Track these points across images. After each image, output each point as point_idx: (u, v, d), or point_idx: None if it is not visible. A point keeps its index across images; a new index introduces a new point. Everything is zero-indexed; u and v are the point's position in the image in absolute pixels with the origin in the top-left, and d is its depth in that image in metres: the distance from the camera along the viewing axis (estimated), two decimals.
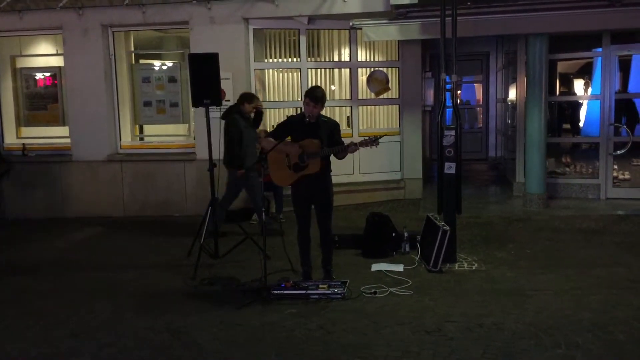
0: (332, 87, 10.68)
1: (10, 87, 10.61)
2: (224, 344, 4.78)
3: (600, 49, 9.63)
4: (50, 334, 5.09)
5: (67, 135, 10.25)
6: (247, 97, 8.15)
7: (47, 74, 10.52)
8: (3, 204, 10.12)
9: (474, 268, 6.55)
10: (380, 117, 10.90)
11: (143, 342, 4.86)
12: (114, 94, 10.09)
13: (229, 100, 9.41)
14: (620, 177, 10.05)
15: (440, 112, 6.82)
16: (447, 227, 6.43)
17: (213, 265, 6.88)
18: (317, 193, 5.95)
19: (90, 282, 6.54)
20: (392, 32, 9.32)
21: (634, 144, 9.67)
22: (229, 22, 9.49)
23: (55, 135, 10.50)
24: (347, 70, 10.42)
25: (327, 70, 10.52)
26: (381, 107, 10.84)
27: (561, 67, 13.04)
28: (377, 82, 10.48)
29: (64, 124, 10.41)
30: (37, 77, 10.54)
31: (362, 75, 10.54)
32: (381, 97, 10.57)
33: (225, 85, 8.58)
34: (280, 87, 10.41)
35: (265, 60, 10.24)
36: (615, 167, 9.89)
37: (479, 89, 16.50)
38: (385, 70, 10.52)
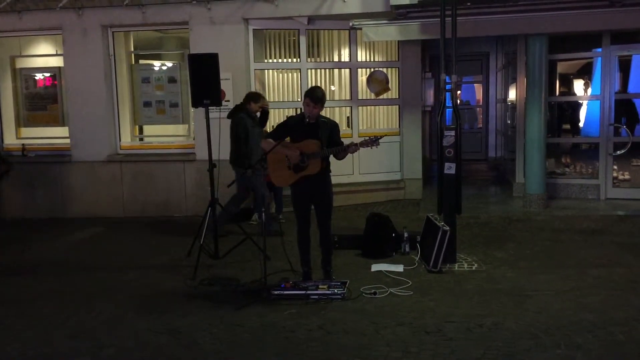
0: (332, 88, 10.67)
1: (10, 88, 10.61)
2: (223, 344, 4.78)
3: (600, 49, 9.62)
4: (50, 334, 5.09)
5: (67, 135, 10.25)
6: (254, 97, 8.20)
7: (47, 75, 10.52)
8: (3, 204, 10.11)
9: (474, 268, 6.55)
10: (380, 118, 10.90)
11: (143, 343, 4.85)
12: (113, 94, 10.09)
13: (228, 101, 9.42)
14: (620, 177, 10.05)
15: (440, 113, 6.82)
16: (447, 228, 6.43)
17: (213, 265, 6.88)
18: (317, 193, 5.95)
19: (90, 282, 6.53)
20: (392, 32, 9.32)
21: (633, 144, 9.66)
22: (229, 22, 9.49)
23: (54, 135, 10.50)
24: (347, 70, 10.42)
25: (327, 70, 10.52)
26: (381, 107, 10.84)
27: (561, 67, 13.02)
28: (377, 83, 10.48)
29: (63, 125, 10.41)
30: (36, 78, 10.54)
31: (362, 75, 10.54)
32: (381, 97, 10.57)
33: (225, 85, 8.59)
34: (280, 87, 10.41)
35: (265, 61, 10.24)
36: (615, 167, 9.89)
37: (478, 90, 16.50)
38: (385, 70, 10.52)
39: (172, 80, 10.07)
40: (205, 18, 9.50)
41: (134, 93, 10.28)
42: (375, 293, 5.74)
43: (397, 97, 10.59)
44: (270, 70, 10.32)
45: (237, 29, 9.53)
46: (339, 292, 5.64)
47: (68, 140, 10.21)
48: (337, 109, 10.37)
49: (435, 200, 7.06)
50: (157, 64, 10.50)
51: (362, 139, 5.91)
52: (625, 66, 12.77)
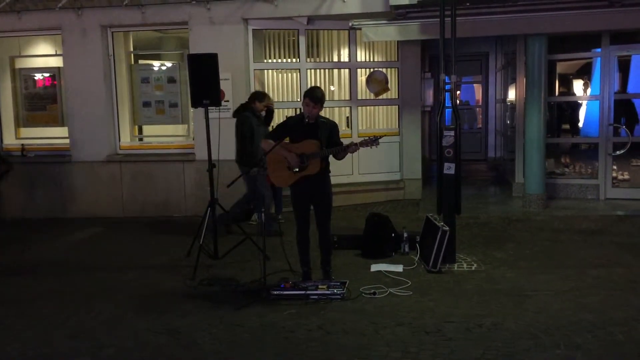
0: (332, 88, 10.67)
1: (9, 88, 10.61)
2: (223, 344, 4.78)
3: (599, 50, 9.62)
4: (50, 334, 5.09)
5: (66, 135, 10.24)
6: (259, 96, 8.24)
7: (46, 75, 10.52)
8: (2, 204, 10.10)
9: (473, 268, 6.55)
10: (379, 118, 10.90)
11: (142, 343, 4.86)
12: (113, 94, 10.09)
13: (228, 101, 9.43)
14: (620, 177, 10.05)
15: (440, 113, 6.82)
16: (447, 228, 6.43)
17: (212, 265, 6.88)
18: (316, 194, 5.96)
19: (90, 282, 6.53)
20: (391, 32, 9.32)
21: (633, 144, 9.67)
22: (228, 22, 9.49)
23: (54, 135, 10.50)
24: (347, 70, 10.42)
25: (327, 70, 10.51)
26: (381, 107, 10.84)
27: (560, 67, 13.04)
28: (377, 83, 10.48)
29: (63, 125, 10.40)
30: (36, 78, 10.53)
31: (362, 75, 10.54)
32: (380, 97, 10.57)
33: (224, 85, 8.59)
34: (280, 87, 10.41)
35: (265, 61, 10.24)
36: (615, 167, 9.89)
37: (478, 90, 16.51)
38: (384, 70, 10.52)
39: (171, 80, 10.07)
40: (205, 18, 9.50)
41: (134, 93, 10.28)
42: (374, 293, 5.74)
43: (397, 97, 10.59)
44: (270, 71, 10.32)
45: (236, 29, 9.53)
46: (338, 292, 5.64)
47: (67, 141, 10.21)
48: (336, 109, 10.37)
49: (434, 200, 7.06)
50: (156, 64, 10.49)
51: (362, 139, 5.91)
52: (624, 66, 12.78)
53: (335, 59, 10.60)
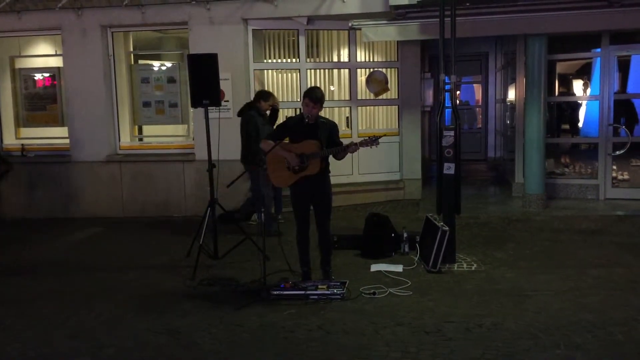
0: (332, 88, 10.67)
1: (9, 88, 10.61)
2: (223, 344, 4.78)
3: (599, 50, 9.62)
4: (50, 334, 5.10)
5: (66, 135, 10.24)
6: (264, 95, 8.26)
7: (46, 75, 10.52)
8: (2, 204, 10.11)
9: (473, 268, 6.55)
10: (379, 118, 10.90)
11: (142, 343, 4.86)
12: (113, 94, 10.09)
13: (228, 101, 9.44)
14: (619, 177, 10.05)
15: (440, 113, 6.83)
16: (447, 228, 6.43)
17: (212, 265, 6.88)
18: (316, 194, 5.96)
19: (90, 282, 6.54)
20: (391, 32, 9.32)
21: (633, 144, 9.67)
22: (228, 22, 9.49)
23: (54, 135, 10.50)
24: (347, 70, 10.42)
25: (327, 70, 10.51)
26: (380, 107, 10.84)
27: (560, 67, 13.03)
28: (377, 83, 10.48)
29: (63, 125, 10.40)
30: (36, 78, 10.54)
31: (362, 75, 10.54)
32: (380, 97, 10.57)
33: (224, 85, 8.59)
34: (280, 87, 10.41)
35: (265, 61, 10.24)
36: (614, 167, 9.89)
37: (478, 90, 16.50)
38: (384, 70, 10.52)
39: (171, 80, 10.07)
40: (205, 18, 9.51)
41: (133, 93, 10.28)
42: (374, 293, 5.74)
43: (397, 97, 10.59)
44: (270, 71, 10.32)
45: (236, 29, 9.53)
46: (338, 292, 5.64)
47: (67, 141, 10.21)
48: (336, 109, 10.37)
49: (434, 200, 7.06)
50: (156, 64, 10.50)
51: (362, 139, 5.92)
52: (624, 66, 12.77)
53: (335, 59, 10.60)
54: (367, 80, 10.49)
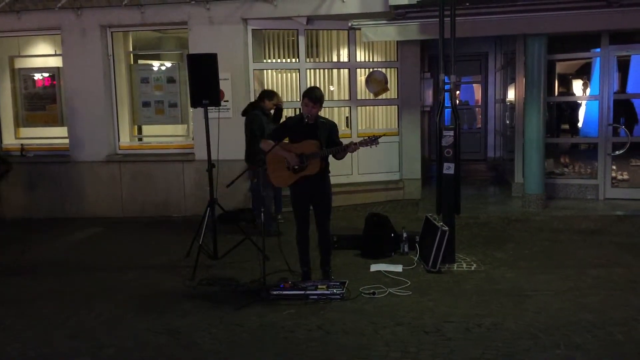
0: (331, 88, 10.67)
1: (9, 88, 10.61)
2: (223, 344, 4.79)
3: (598, 50, 9.63)
4: (50, 334, 5.09)
5: (66, 135, 10.24)
6: (268, 94, 8.29)
7: (46, 75, 10.52)
8: (2, 204, 10.10)
9: (472, 268, 6.55)
10: (379, 118, 10.90)
11: (142, 343, 4.86)
12: (112, 94, 10.09)
13: (227, 101, 9.44)
14: (619, 177, 10.05)
15: (439, 113, 6.83)
16: (446, 228, 6.43)
17: (212, 265, 6.88)
18: (316, 194, 5.96)
19: (90, 282, 6.53)
20: (391, 32, 9.32)
21: (632, 144, 9.67)
22: (228, 22, 9.49)
23: (53, 135, 10.50)
24: (346, 70, 10.42)
25: (326, 70, 10.51)
26: (380, 107, 10.84)
27: (560, 67, 13.03)
28: (376, 83, 10.48)
29: (62, 125, 10.40)
30: (35, 78, 10.53)
31: (361, 75, 10.54)
32: (380, 97, 10.57)
33: (224, 85, 8.59)
34: (279, 87, 10.41)
35: (264, 61, 10.24)
36: (614, 167, 9.89)
37: (477, 90, 16.50)
38: (384, 70, 10.52)
39: (171, 80, 10.07)
40: (204, 18, 9.51)
41: (133, 93, 10.28)
42: (374, 293, 5.74)
43: (396, 97, 10.59)
44: (269, 71, 10.32)
45: (236, 29, 9.53)
46: (338, 292, 5.64)
47: (67, 141, 10.21)
48: (336, 109, 10.37)
49: (434, 200, 7.06)
50: (156, 64, 10.49)
51: (362, 138, 5.92)
52: (623, 66, 12.78)
53: (335, 59, 10.61)
54: (367, 80, 10.49)
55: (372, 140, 5.80)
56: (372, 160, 10.24)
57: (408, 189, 10.50)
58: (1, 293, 6.30)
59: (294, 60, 10.17)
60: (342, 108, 10.47)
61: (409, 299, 5.64)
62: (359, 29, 9.42)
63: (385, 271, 6.47)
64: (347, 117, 10.41)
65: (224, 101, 9.31)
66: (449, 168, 6.64)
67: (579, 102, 13.52)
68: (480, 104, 15.96)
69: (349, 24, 9.48)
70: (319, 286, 5.76)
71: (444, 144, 6.65)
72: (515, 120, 10.61)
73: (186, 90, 9.09)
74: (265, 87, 10.08)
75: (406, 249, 7.14)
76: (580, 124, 13.49)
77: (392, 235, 7.20)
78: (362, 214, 8.37)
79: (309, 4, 9.25)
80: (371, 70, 10.50)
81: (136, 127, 10.59)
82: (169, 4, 9.52)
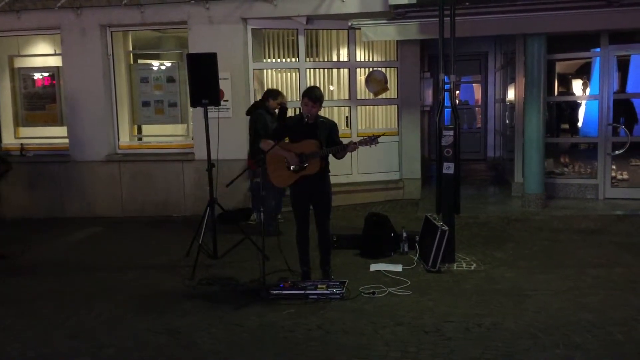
0: (331, 87, 10.67)
1: (9, 87, 10.60)
2: (222, 344, 4.78)
3: (598, 49, 9.63)
4: (50, 334, 5.09)
5: (66, 135, 10.24)
6: (272, 93, 8.30)
7: (45, 74, 10.51)
8: (2, 204, 10.10)
9: (472, 268, 6.55)
10: (379, 117, 10.90)
11: (142, 343, 4.86)
12: (112, 94, 10.09)
13: (227, 101, 9.43)
14: (619, 177, 10.06)
15: (439, 112, 6.83)
16: (446, 227, 6.43)
17: (212, 265, 6.88)
18: (316, 193, 5.96)
19: (90, 282, 6.53)
20: (390, 32, 9.32)
21: (632, 144, 9.67)
22: (228, 22, 9.49)
23: (53, 135, 10.49)
24: (346, 70, 10.42)
25: (326, 70, 10.51)
26: (380, 107, 10.84)
27: (559, 67, 13.03)
28: (376, 82, 10.48)
29: (62, 124, 10.40)
30: (35, 77, 10.53)
31: (361, 75, 10.54)
32: (380, 97, 10.57)
33: (223, 85, 8.59)
34: (279, 87, 10.39)
35: (264, 60, 10.24)
36: (614, 167, 9.90)
37: (477, 89, 16.51)
38: (383, 70, 10.52)
39: (170, 79, 10.07)
40: (204, 18, 9.50)
41: (133, 93, 10.28)
42: (374, 293, 5.74)
43: (396, 97, 10.59)
44: (269, 70, 10.32)
45: (235, 28, 9.52)
46: (337, 291, 5.65)
47: (67, 140, 10.21)
48: (335, 109, 10.37)
49: (433, 200, 7.06)
50: (155, 63, 10.49)
51: (361, 138, 5.92)
52: (623, 66, 12.79)
53: (335, 58, 10.61)
54: (367, 80, 10.49)
55: (371, 139, 5.80)
56: (372, 160, 10.24)
57: (408, 188, 10.50)
58: (1, 293, 6.30)
59: (293, 59, 10.17)
60: (342, 108, 10.47)
61: (409, 298, 5.64)
62: (359, 28, 9.41)
63: (385, 271, 6.47)
64: (346, 117, 10.41)
65: (224, 101, 9.31)
66: (448, 168, 6.64)
67: (579, 101, 13.53)
68: (480, 103, 15.96)
69: (349, 24, 9.48)
70: (319, 286, 5.76)
71: (444, 144, 6.65)
72: (515, 119, 10.61)
73: (186, 89, 9.09)
74: (265, 87, 10.09)
75: (406, 249, 7.14)
76: (580, 124, 13.50)
77: (392, 234, 7.20)
78: (361, 214, 8.38)
79: (308, 3, 9.25)
80: (371, 69, 10.50)
81: (136, 126, 10.59)
82: (169, 3, 9.52)
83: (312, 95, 5.76)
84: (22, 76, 10.54)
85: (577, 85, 14.41)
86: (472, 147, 14.98)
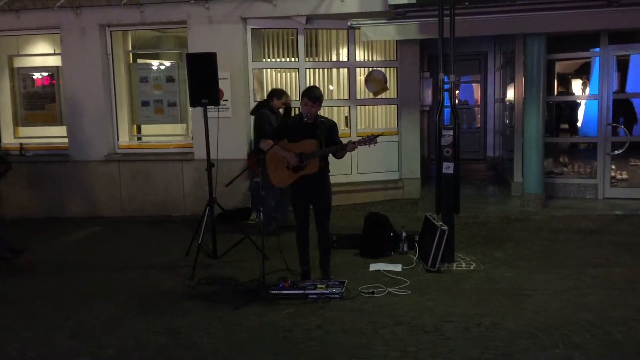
0: (331, 87, 10.67)
1: (8, 87, 10.59)
2: (222, 344, 4.79)
3: (598, 49, 9.63)
4: (50, 334, 5.09)
5: (65, 135, 10.23)
6: (277, 93, 8.30)
7: (45, 74, 10.50)
8: (1, 204, 10.09)
9: (472, 268, 6.56)
10: (378, 117, 10.90)
11: (142, 343, 4.86)
12: (111, 93, 10.08)
13: (226, 100, 9.43)
14: (618, 177, 10.06)
15: (439, 112, 6.83)
16: (445, 227, 6.44)
17: (211, 265, 6.89)
18: (315, 193, 5.97)
19: (90, 282, 6.53)
20: (390, 32, 9.32)
21: (631, 144, 9.68)
22: (227, 21, 9.49)
23: (52, 135, 10.48)
24: (345, 70, 10.41)
25: (325, 70, 10.50)
26: (379, 107, 10.84)
27: (559, 67, 13.04)
28: (376, 82, 10.48)
29: (61, 124, 10.39)
30: (34, 77, 10.52)
31: (361, 75, 10.54)
32: (379, 97, 10.57)
33: (223, 84, 8.60)
34: (278, 86, 10.38)
35: (263, 60, 10.24)
36: (613, 167, 9.90)
37: (477, 89, 16.50)
38: (383, 70, 10.52)
39: (170, 79, 10.06)
40: (204, 17, 9.50)
41: (132, 92, 10.27)
42: (373, 292, 5.74)
43: (396, 96, 10.59)
44: (269, 70, 10.32)
45: (235, 28, 9.52)
46: (337, 291, 5.65)
47: (66, 140, 10.20)
48: (335, 109, 10.37)
49: (433, 199, 7.07)
50: (155, 63, 10.49)
51: (360, 137, 5.92)
52: (623, 66, 12.80)
53: (334, 58, 10.60)
54: (366, 80, 10.49)
55: (370, 139, 5.80)
56: (372, 160, 10.24)
57: (407, 188, 10.51)
58: (1, 293, 6.30)
59: (293, 59, 10.16)
60: (342, 107, 10.47)
61: (408, 298, 5.64)
62: (359, 28, 9.41)
63: (384, 270, 6.47)
64: (346, 117, 10.41)
65: (223, 100, 9.31)
66: (448, 167, 6.64)
67: (579, 101, 13.53)
68: (479, 103, 15.96)
69: (349, 23, 9.48)
70: (318, 285, 5.76)
71: (444, 144, 6.65)
72: (515, 119, 10.61)
73: (185, 89, 9.08)
74: (264, 87, 10.11)
75: (405, 249, 7.14)
76: (579, 124, 13.50)
77: (392, 234, 7.20)
78: (361, 214, 8.38)
79: (308, 3, 9.25)
80: (370, 69, 10.50)
81: (135, 126, 10.58)
82: (168, 3, 9.51)
83: (312, 95, 5.76)
84: (22, 76, 10.53)
85: (576, 85, 14.41)
86: (471, 147, 14.97)
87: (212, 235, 7.02)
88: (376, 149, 6.55)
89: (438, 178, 6.78)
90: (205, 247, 6.93)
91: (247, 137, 9.55)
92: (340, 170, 9.66)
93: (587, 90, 12.71)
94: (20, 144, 10.42)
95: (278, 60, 10.40)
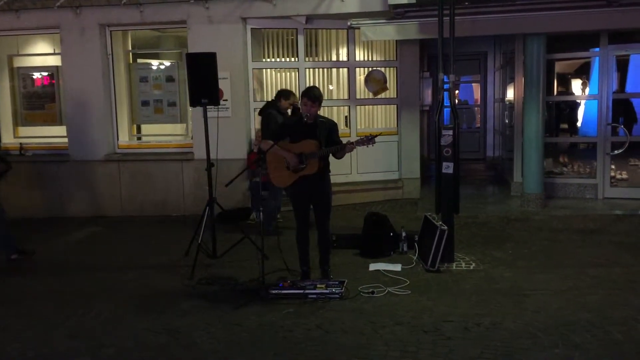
0: (330, 87, 10.67)
1: (8, 87, 10.59)
2: (222, 343, 4.79)
3: (597, 49, 9.64)
4: (49, 334, 5.09)
5: (65, 134, 10.23)
6: (284, 94, 8.30)
7: (45, 74, 10.50)
8: (1, 204, 10.10)
9: (471, 268, 6.56)
10: (378, 117, 10.91)
11: (142, 343, 4.86)
12: (111, 93, 10.08)
13: (226, 100, 9.43)
14: (618, 176, 10.06)
15: (438, 112, 6.83)
16: (445, 227, 6.44)
17: (211, 264, 6.89)
18: (315, 193, 5.97)
19: (90, 282, 6.53)
20: (390, 31, 9.32)
21: (631, 143, 9.68)
22: (227, 21, 9.49)
23: (52, 134, 10.48)
24: (345, 70, 10.41)
25: (325, 70, 10.51)
26: (379, 106, 10.84)
27: (559, 67, 13.03)
28: (375, 82, 10.48)
29: (61, 124, 10.39)
30: (34, 77, 10.52)
31: (360, 75, 10.54)
32: (379, 97, 10.57)
33: (223, 84, 8.60)
34: (278, 86, 10.38)
35: (263, 60, 10.24)
36: (613, 167, 9.90)
37: (476, 89, 16.50)
38: (383, 70, 10.52)
39: (170, 79, 10.07)
40: (203, 17, 9.50)
41: (132, 92, 10.27)
42: (373, 292, 5.74)
43: (395, 96, 10.59)
44: (268, 70, 10.33)
45: (235, 28, 9.52)
46: (336, 291, 5.65)
47: (66, 140, 10.20)
48: (335, 109, 10.37)
49: (433, 199, 7.07)
50: (155, 63, 10.49)
51: (359, 137, 5.92)
52: (622, 66, 12.79)
53: (334, 58, 10.60)
54: (366, 80, 10.49)
55: (368, 139, 5.80)
56: (371, 160, 10.24)
57: (407, 188, 10.51)
58: (1, 293, 6.30)
59: (293, 59, 10.16)
60: (341, 107, 10.47)
61: (408, 298, 5.65)
62: (358, 28, 9.41)
63: (384, 270, 6.48)
64: (346, 117, 10.41)
65: (223, 100, 9.31)
66: (448, 167, 6.65)
67: (578, 101, 13.52)
68: (479, 103, 15.96)
69: (348, 23, 9.48)
70: (318, 285, 5.76)
71: (443, 143, 6.65)
72: (515, 119, 10.61)
73: (185, 89, 9.07)
74: (264, 87, 10.11)
75: (405, 248, 7.14)
76: (579, 124, 13.49)
77: (391, 234, 7.20)
78: (361, 213, 8.38)
79: (308, 3, 9.25)
80: (370, 69, 10.50)
81: (135, 126, 10.59)
82: (168, 3, 9.51)
83: (311, 95, 5.77)
84: (22, 75, 10.53)
85: (576, 85, 14.40)
86: (471, 146, 14.98)
87: (211, 235, 7.03)
88: (376, 149, 6.56)
89: (438, 178, 6.78)
90: (205, 247, 6.93)
91: (247, 137, 9.56)
92: (340, 170, 9.66)
93: (587, 90, 12.70)
94: (20, 143, 10.42)
95: (278, 60, 10.40)
